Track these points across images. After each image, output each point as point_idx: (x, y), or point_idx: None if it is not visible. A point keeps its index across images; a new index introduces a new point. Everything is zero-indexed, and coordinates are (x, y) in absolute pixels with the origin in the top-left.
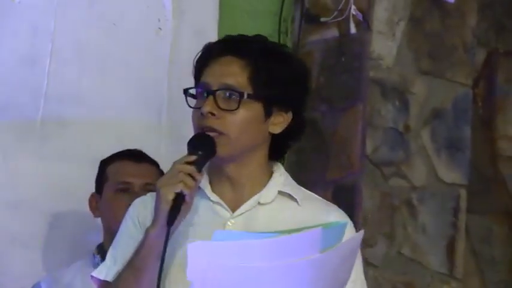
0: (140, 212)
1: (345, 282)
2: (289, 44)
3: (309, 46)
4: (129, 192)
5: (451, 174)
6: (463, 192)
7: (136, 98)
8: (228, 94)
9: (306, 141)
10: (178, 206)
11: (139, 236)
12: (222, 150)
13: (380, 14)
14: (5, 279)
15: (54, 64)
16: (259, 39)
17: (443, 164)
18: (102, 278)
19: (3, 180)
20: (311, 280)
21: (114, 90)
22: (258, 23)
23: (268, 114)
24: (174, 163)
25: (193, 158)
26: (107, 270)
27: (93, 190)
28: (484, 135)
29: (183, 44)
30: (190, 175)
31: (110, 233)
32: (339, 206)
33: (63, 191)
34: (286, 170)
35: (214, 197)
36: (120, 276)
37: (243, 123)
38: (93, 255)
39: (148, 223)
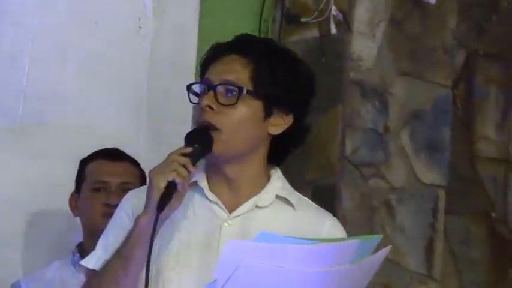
0: (134, 204)
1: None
2: None
3: (289, 46)
4: (106, 191)
5: (430, 175)
6: (441, 193)
7: (117, 97)
8: (228, 89)
9: None
10: (169, 194)
11: (129, 226)
12: (218, 146)
13: (360, 15)
14: None
15: (34, 63)
16: (265, 40)
17: (423, 165)
18: (90, 267)
19: None
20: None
21: (94, 88)
22: (239, 22)
23: (268, 114)
24: (170, 154)
25: (188, 150)
26: (96, 259)
27: (72, 188)
28: (464, 136)
29: (164, 43)
30: (184, 166)
31: (89, 231)
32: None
33: (43, 190)
34: None
35: (211, 195)
36: (107, 264)
37: (241, 119)
38: (73, 254)
39: None
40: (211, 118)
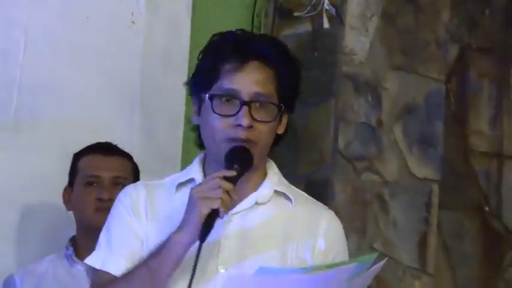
0: (133, 201)
1: None
2: None
3: (282, 40)
4: (98, 186)
5: (423, 169)
6: (435, 188)
7: (109, 91)
8: (263, 105)
9: None
10: (212, 223)
11: (135, 224)
12: (254, 160)
13: (353, 9)
14: None
15: (27, 56)
16: (280, 44)
17: (416, 159)
18: (98, 267)
19: None
20: None
21: (87, 82)
22: (232, 17)
23: (280, 117)
24: (214, 175)
25: (233, 173)
26: (103, 258)
27: (66, 182)
28: (457, 130)
29: (156, 37)
30: (227, 192)
31: (82, 225)
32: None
33: (36, 183)
34: None
35: None
36: (133, 273)
37: (271, 132)
38: (66, 247)
39: (142, 213)
40: (250, 135)
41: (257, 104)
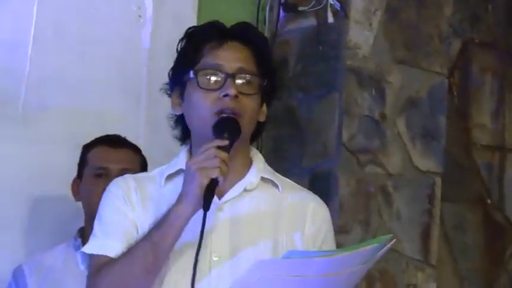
0: (124, 190)
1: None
2: (267, 33)
3: (287, 35)
4: (107, 178)
5: (426, 162)
6: (438, 180)
7: (116, 84)
8: (247, 79)
9: (283, 129)
10: (212, 192)
11: (127, 211)
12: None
13: (357, 4)
14: None
15: (35, 49)
16: (250, 26)
17: (419, 152)
18: (95, 252)
19: None
20: (350, 280)
21: (94, 75)
22: (237, 11)
23: (261, 103)
24: (207, 146)
25: (226, 143)
26: (100, 244)
27: (74, 174)
28: (459, 124)
29: (163, 31)
30: (223, 161)
31: (91, 216)
32: (316, 193)
33: (45, 174)
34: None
35: None
36: (135, 248)
37: (255, 109)
38: (75, 238)
39: (134, 202)
40: (235, 106)
41: (241, 78)
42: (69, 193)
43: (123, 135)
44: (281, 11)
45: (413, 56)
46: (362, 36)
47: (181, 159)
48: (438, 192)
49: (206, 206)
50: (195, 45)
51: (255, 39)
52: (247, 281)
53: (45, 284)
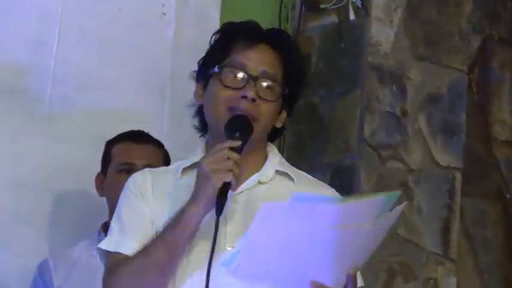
0: (141, 187)
1: (372, 250)
2: (289, 30)
3: (309, 32)
4: (131, 173)
5: (446, 157)
6: (458, 175)
7: (140, 81)
8: (269, 84)
9: (305, 125)
10: (226, 196)
11: (144, 208)
12: (254, 135)
13: (378, 1)
14: (10, 257)
15: (60, 48)
16: (283, 32)
17: (439, 147)
18: (111, 249)
19: (11, 160)
20: (357, 244)
21: (118, 73)
22: (260, 8)
23: (281, 110)
24: (221, 147)
25: (238, 143)
26: (116, 242)
27: (98, 170)
28: (479, 119)
29: (186, 28)
30: (236, 163)
31: (114, 211)
32: (337, 189)
33: (69, 171)
34: (285, 153)
35: None
36: (149, 248)
37: (271, 115)
38: (99, 233)
39: (150, 197)
40: (252, 109)
41: (263, 82)
42: (93, 189)
43: (147, 131)
44: (303, 8)
45: (434, 52)
46: (383, 33)
47: (198, 153)
48: (458, 187)
49: (219, 210)
50: (226, 41)
51: (285, 46)
52: (254, 228)
53: (71, 278)
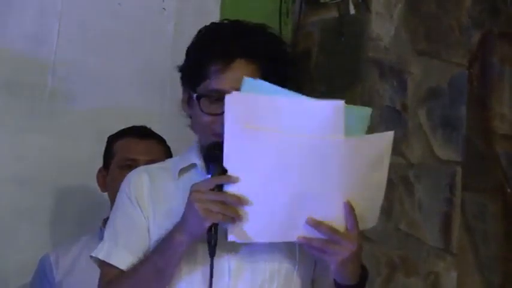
0: (137, 190)
1: (379, 187)
2: (289, 25)
3: (309, 27)
4: (134, 169)
5: (446, 151)
6: (458, 170)
7: (141, 77)
8: None
9: None
10: (215, 238)
11: (137, 216)
12: None
13: None
14: (12, 252)
15: (61, 43)
16: (265, 35)
17: (440, 142)
18: (101, 257)
19: (12, 155)
20: (338, 166)
21: (119, 69)
22: (259, 4)
23: None
24: (211, 182)
25: (228, 179)
26: (107, 252)
27: (99, 165)
28: (479, 114)
29: (186, 24)
30: (228, 206)
31: None
32: None
33: (71, 166)
34: None
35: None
36: (139, 271)
37: None
38: (100, 229)
39: (147, 202)
40: None
41: None
42: (94, 185)
43: (148, 126)
44: (303, 3)
45: (434, 47)
46: (383, 27)
47: (193, 153)
48: (459, 181)
49: (212, 252)
50: (201, 64)
51: (264, 55)
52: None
53: (72, 273)
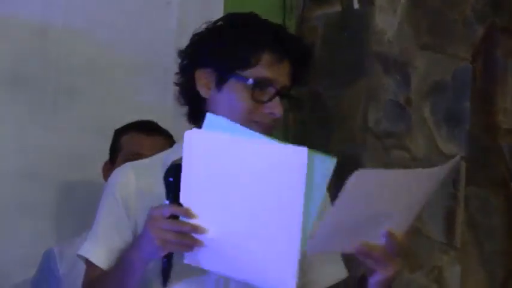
0: (124, 189)
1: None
2: (293, 19)
3: (313, 21)
4: None
5: (450, 146)
6: (462, 164)
7: (145, 69)
8: (291, 100)
9: (309, 114)
10: (170, 265)
11: (121, 216)
12: None
13: None
14: (14, 247)
15: (65, 36)
16: (306, 46)
17: (443, 136)
18: (81, 254)
19: (16, 150)
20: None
21: (123, 61)
22: None
23: None
24: (166, 210)
25: (181, 210)
26: (87, 248)
27: (103, 159)
28: (483, 108)
29: (190, 17)
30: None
31: None
32: (341, 179)
33: (75, 161)
34: (290, 142)
35: None
36: (106, 279)
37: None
38: None
39: (133, 203)
40: (273, 122)
41: (283, 97)
42: (98, 179)
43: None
44: None
45: (438, 41)
46: (387, 21)
47: (179, 148)
48: (463, 176)
49: (164, 280)
50: (255, 50)
51: (304, 65)
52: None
53: (76, 267)
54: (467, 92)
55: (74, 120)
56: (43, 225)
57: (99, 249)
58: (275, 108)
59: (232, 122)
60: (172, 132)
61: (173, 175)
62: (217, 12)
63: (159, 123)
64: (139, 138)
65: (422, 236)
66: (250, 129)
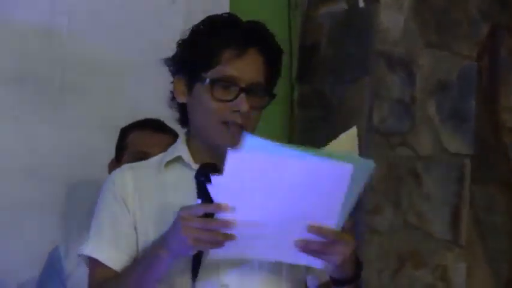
0: (122, 188)
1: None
2: (298, 17)
3: (318, 19)
4: None
5: (455, 144)
6: (467, 162)
7: (150, 69)
8: (260, 94)
9: (314, 112)
10: (199, 262)
11: (122, 213)
12: (238, 143)
13: None
14: (20, 244)
15: (71, 35)
16: (268, 30)
17: (448, 134)
18: (86, 253)
19: (22, 147)
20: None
21: (129, 59)
22: None
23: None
24: (201, 209)
25: (211, 207)
26: (92, 246)
27: (109, 157)
28: (488, 106)
29: (196, 16)
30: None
31: None
32: None
33: (81, 158)
34: (295, 140)
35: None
36: (123, 280)
37: (259, 119)
38: None
39: (132, 201)
40: (245, 120)
41: (255, 94)
42: (104, 177)
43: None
44: None
45: (443, 39)
46: (392, 20)
47: (179, 146)
48: (468, 174)
49: (194, 276)
50: (215, 48)
51: (272, 48)
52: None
53: (81, 265)
54: (472, 91)
55: (80, 118)
56: (49, 223)
57: (103, 246)
58: (239, 105)
59: (270, 142)
60: (178, 131)
61: (204, 174)
62: (223, 10)
63: (165, 122)
64: (145, 136)
65: (427, 233)
66: (221, 132)
